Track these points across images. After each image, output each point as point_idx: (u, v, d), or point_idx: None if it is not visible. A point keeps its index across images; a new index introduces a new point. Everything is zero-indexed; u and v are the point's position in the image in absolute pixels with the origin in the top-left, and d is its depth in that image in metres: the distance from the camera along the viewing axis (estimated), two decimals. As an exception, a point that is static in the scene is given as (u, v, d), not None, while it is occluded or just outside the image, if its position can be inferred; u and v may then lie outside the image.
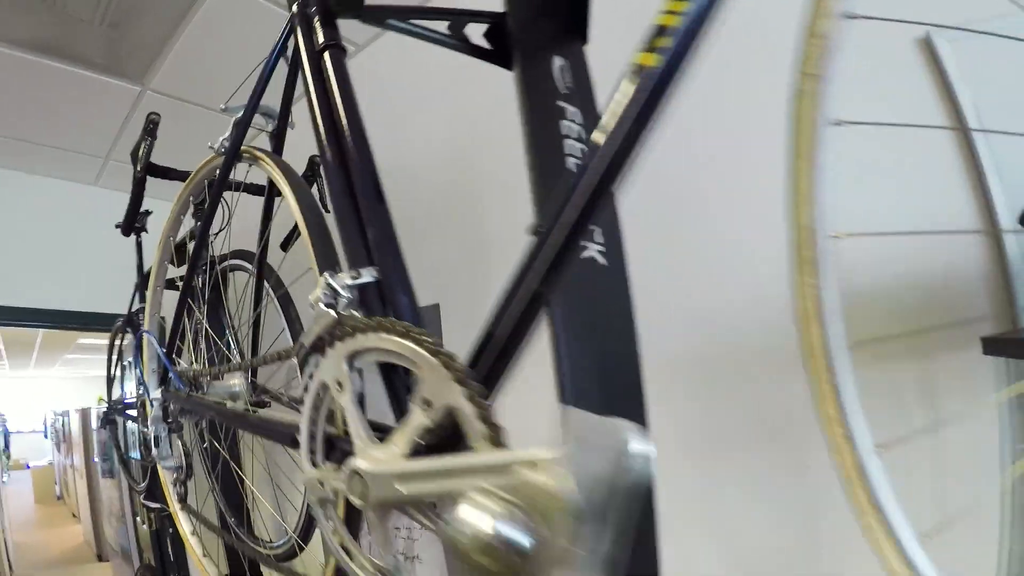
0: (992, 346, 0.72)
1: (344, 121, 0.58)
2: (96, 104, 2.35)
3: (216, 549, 1.21)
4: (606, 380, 0.69)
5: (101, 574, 4.34)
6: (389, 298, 0.49)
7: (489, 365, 0.39)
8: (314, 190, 1.46)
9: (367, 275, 0.51)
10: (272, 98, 0.89)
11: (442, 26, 0.75)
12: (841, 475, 0.44)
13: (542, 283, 0.36)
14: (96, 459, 4.66)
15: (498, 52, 0.76)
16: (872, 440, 0.44)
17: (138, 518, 2.66)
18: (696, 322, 1.02)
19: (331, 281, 0.49)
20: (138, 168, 1.41)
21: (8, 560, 4.23)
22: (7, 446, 6.26)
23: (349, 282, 0.50)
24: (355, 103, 0.60)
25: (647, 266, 1.08)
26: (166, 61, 2.07)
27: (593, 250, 0.67)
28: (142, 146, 1.42)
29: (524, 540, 0.19)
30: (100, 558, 4.62)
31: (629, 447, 0.21)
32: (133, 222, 1.52)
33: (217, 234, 1.08)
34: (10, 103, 2.34)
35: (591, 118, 0.66)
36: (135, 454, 2.40)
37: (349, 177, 0.56)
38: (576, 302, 0.65)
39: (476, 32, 0.77)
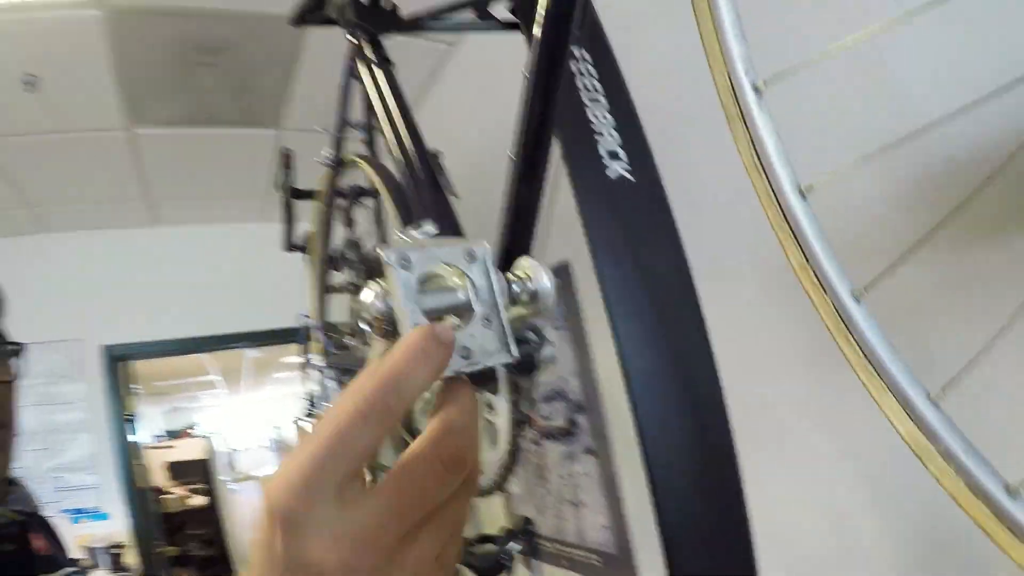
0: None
1: (398, 119, 0.74)
2: (244, 153, 2.76)
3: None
4: (655, 295, 0.76)
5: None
6: (446, 242, 0.65)
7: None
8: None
9: (426, 227, 0.66)
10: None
11: (470, 15, 0.87)
12: (826, 327, 0.42)
13: (520, 187, 0.46)
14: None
15: (525, 22, 0.86)
16: (849, 285, 0.41)
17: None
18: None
19: (400, 235, 0.66)
20: (282, 195, 1.70)
21: (234, 555, 5.04)
22: (232, 461, 7.44)
23: (416, 234, 0.66)
24: (406, 103, 0.76)
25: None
26: (290, 103, 2.40)
27: (618, 168, 0.75)
28: (281, 177, 1.70)
29: (380, 305, 0.28)
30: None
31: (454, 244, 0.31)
32: (291, 241, 1.82)
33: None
34: (176, 171, 2.82)
35: (600, 56, 0.75)
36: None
37: (409, 160, 0.72)
38: (608, 221, 0.74)
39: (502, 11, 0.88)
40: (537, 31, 0.41)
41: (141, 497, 3.17)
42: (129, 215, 3.19)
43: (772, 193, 0.43)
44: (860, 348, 0.41)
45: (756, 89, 0.43)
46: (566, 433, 1.63)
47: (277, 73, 2.20)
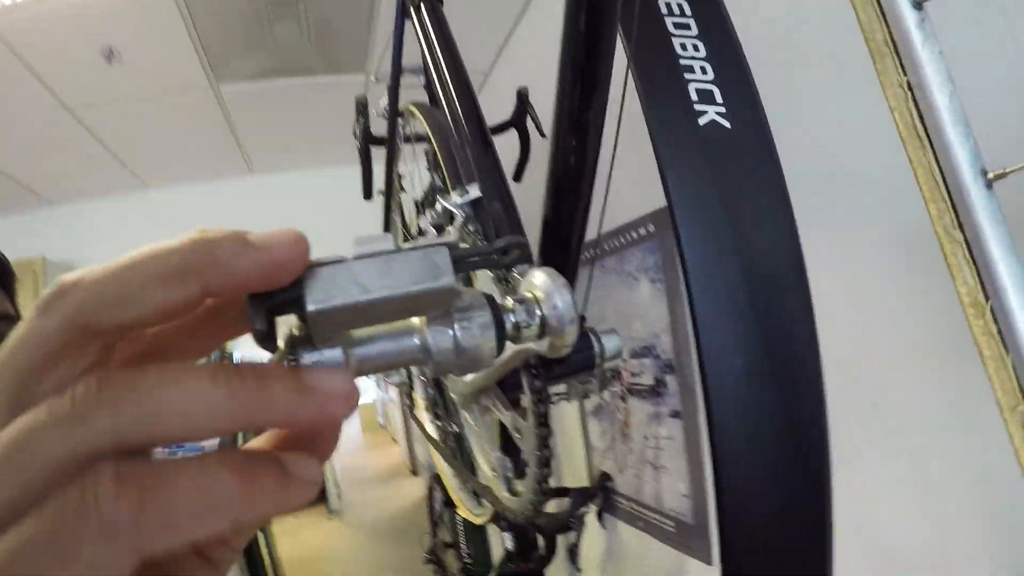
0: None
1: (443, 62, 0.64)
2: (333, 100, 2.75)
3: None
4: (749, 269, 0.62)
5: (413, 485, 5.32)
6: (489, 208, 0.55)
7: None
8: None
9: (472, 191, 0.57)
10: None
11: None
12: (992, 386, 0.29)
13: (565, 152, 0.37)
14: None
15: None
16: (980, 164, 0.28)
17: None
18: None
19: (443, 201, 0.57)
20: (358, 142, 1.66)
21: (335, 478, 5.36)
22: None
23: (459, 200, 0.57)
24: (453, 44, 0.65)
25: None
26: (374, 46, 2.34)
27: (712, 113, 0.60)
28: (358, 125, 1.66)
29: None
30: (414, 473, 5.66)
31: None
32: (369, 188, 1.79)
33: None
34: (266, 123, 2.89)
35: None
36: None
37: (453, 109, 0.63)
38: (696, 178, 0.61)
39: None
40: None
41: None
42: (222, 167, 3.33)
43: (940, 177, 0.28)
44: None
45: (917, 4, 0.28)
46: (653, 392, 1.55)
47: (358, 17, 2.14)
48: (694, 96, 0.56)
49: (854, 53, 0.31)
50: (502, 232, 0.55)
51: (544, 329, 0.23)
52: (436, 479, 2.50)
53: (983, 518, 0.75)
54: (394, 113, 0.95)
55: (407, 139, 1.08)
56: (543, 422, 0.38)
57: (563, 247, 0.43)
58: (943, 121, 0.27)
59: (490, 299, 0.22)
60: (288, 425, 0.18)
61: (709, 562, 1.34)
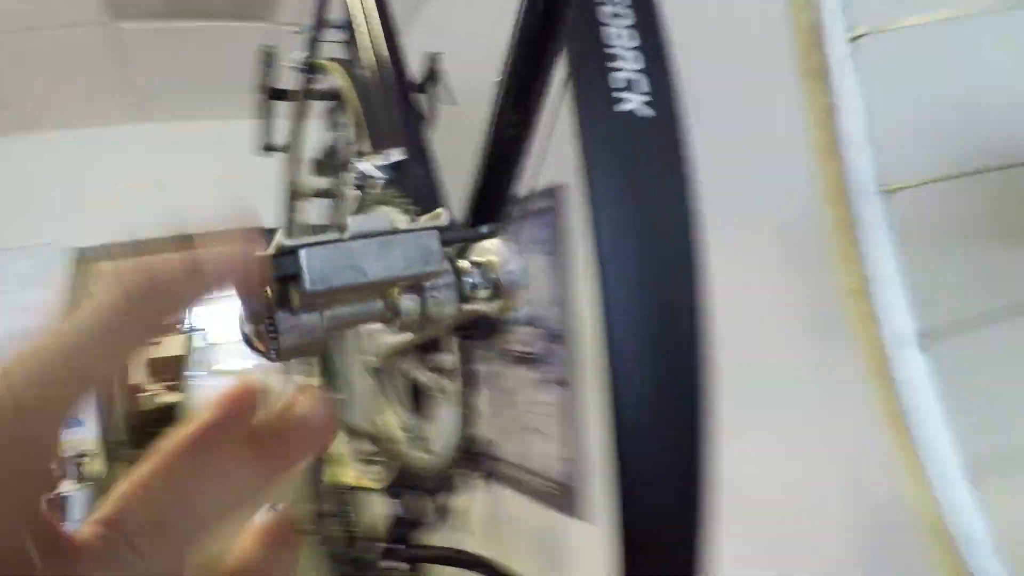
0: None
1: (372, 17, 0.63)
2: (236, 48, 2.57)
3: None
4: (650, 251, 0.66)
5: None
6: (410, 172, 0.56)
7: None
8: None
9: (395, 154, 0.57)
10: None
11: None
12: (869, 373, 0.33)
13: (506, 122, 0.37)
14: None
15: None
16: (913, 326, 0.32)
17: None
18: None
19: (365, 163, 0.57)
20: (259, 95, 1.58)
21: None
22: (209, 356, 7.53)
23: (381, 162, 0.57)
24: (385, 5, 0.64)
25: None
26: (285, -6, 2.21)
27: (635, 101, 0.62)
28: (260, 76, 1.57)
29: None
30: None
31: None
32: (267, 143, 1.71)
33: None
34: (162, 66, 2.67)
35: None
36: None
37: (381, 67, 0.62)
38: (611, 163, 0.64)
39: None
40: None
41: (111, 401, 3.18)
42: (115, 113, 3.04)
43: (842, 185, 0.33)
44: (906, 405, 0.32)
45: (853, 39, 0.31)
46: (538, 361, 1.60)
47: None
48: (618, 83, 0.59)
49: (779, 70, 0.35)
50: (421, 196, 0.56)
51: (497, 292, 0.25)
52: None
53: (837, 476, 0.89)
54: (311, 67, 0.92)
55: (318, 96, 1.04)
56: (471, 383, 0.40)
57: (493, 214, 0.44)
58: (852, 140, 0.33)
59: (452, 262, 0.24)
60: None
61: (586, 519, 1.42)
